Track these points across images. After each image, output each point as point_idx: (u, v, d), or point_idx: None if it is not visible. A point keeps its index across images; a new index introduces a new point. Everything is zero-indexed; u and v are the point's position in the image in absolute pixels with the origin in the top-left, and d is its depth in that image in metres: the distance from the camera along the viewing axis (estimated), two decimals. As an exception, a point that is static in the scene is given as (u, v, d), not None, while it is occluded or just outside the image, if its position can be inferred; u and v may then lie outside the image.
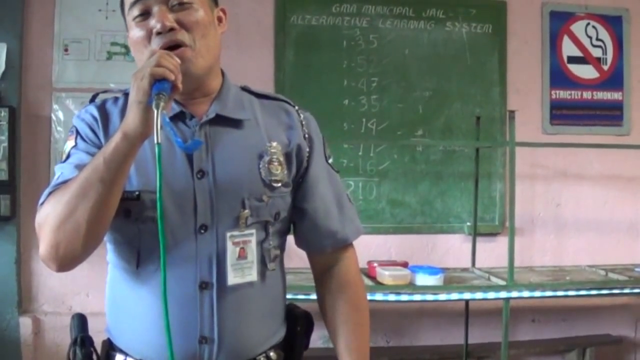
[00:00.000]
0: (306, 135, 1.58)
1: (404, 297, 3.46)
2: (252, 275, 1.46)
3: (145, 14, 1.43)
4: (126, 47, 3.83)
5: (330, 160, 1.66)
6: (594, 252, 4.43)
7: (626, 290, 3.72)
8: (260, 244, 1.49)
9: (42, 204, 1.36)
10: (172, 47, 1.40)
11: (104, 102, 1.53)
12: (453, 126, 4.35)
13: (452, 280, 3.70)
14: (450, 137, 4.35)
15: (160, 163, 1.23)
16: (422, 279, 3.53)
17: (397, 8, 4.32)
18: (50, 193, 1.36)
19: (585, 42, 4.56)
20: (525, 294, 3.60)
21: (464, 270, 4.07)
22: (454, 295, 3.57)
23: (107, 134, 1.44)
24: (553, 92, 4.51)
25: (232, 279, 1.43)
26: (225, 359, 1.44)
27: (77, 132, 1.47)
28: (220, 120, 1.49)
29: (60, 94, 4.01)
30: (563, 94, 4.52)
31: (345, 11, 4.27)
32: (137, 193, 1.40)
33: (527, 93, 4.46)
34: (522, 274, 3.89)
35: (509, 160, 3.75)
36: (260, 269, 1.49)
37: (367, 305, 1.66)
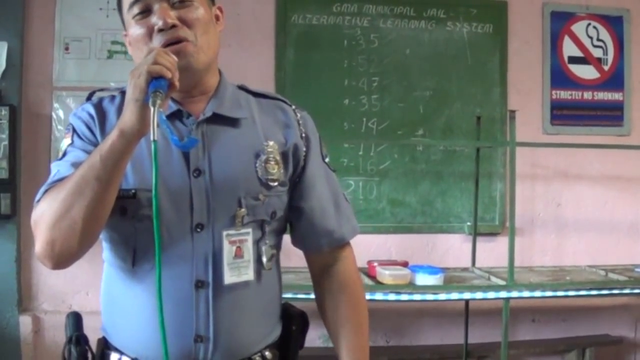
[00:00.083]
0: (303, 135, 1.58)
1: (404, 297, 3.46)
2: (249, 275, 1.46)
3: (146, 12, 1.43)
4: (127, 45, 3.83)
5: (327, 160, 1.66)
6: (594, 252, 4.43)
7: (626, 291, 3.72)
8: (257, 243, 1.49)
9: (38, 201, 1.36)
10: (173, 42, 1.41)
11: (100, 100, 1.53)
12: (453, 126, 4.35)
13: (452, 280, 3.70)
14: (450, 137, 4.35)
15: (156, 161, 1.23)
16: (422, 279, 3.52)
17: (398, 8, 4.32)
18: (46, 191, 1.36)
19: (586, 42, 4.56)
20: (525, 294, 3.60)
21: (464, 270, 4.06)
22: (454, 295, 3.57)
23: (104, 132, 1.44)
24: (554, 92, 4.51)
25: (229, 278, 1.43)
26: (220, 358, 1.44)
27: (74, 130, 1.47)
28: (217, 119, 1.49)
29: (60, 93, 4.01)
30: (564, 94, 4.52)
31: (346, 11, 4.27)
32: (133, 191, 1.40)
33: (527, 93, 4.46)
34: (522, 274, 3.89)
35: (509, 160, 3.75)
36: (257, 268, 1.49)
37: (365, 304, 1.66)
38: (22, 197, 3.88)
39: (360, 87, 4.27)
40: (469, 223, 4.28)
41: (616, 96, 4.58)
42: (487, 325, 4.20)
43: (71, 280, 3.93)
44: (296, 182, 1.57)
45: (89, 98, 1.56)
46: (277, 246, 1.57)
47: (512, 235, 3.62)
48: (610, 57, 4.58)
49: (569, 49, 4.53)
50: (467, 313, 4.09)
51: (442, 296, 3.53)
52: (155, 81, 1.26)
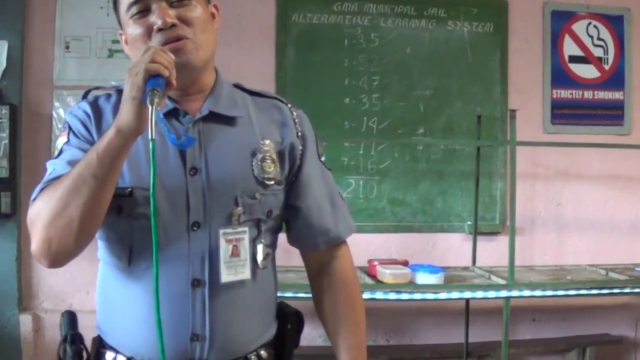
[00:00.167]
0: (299, 133, 1.58)
1: (405, 296, 3.46)
2: (245, 273, 1.46)
3: (144, 11, 1.43)
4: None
5: (322, 158, 1.66)
6: (595, 251, 4.43)
7: (626, 290, 3.72)
8: (253, 241, 1.49)
9: (35, 199, 1.36)
10: (172, 41, 1.40)
11: (96, 98, 1.52)
12: (454, 125, 4.35)
13: (453, 279, 3.70)
14: (451, 136, 4.35)
15: (154, 159, 1.23)
16: (423, 278, 3.53)
17: (399, 7, 4.32)
18: (42, 189, 1.36)
19: (587, 41, 4.56)
20: (526, 293, 3.59)
21: (465, 269, 4.06)
22: (455, 294, 3.57)
23: (100, 131, 1.44)
24: (554, 91, 4.51)
25: (226, 276, 1.43)
26: (216, 356, 1.44)
27: (70, 128, 1.47)
28: (214, 118, 1.49)
29: (61, 92, 4.01)
30: (564, 94, 4.52)
31: (346, 10, 4.27)
32: (129, 189, 1.40)
33: (528, 92, 4.46)
34: (523, 273, 3.89)
35: (509, 160, 3.75)
36: (253, 266, 1.49)
37: (362, 302, 1.67)
38: (23, 196, 3.88)
39: (361, 86, 4.27)
40: (469, 222, 4.28)
41: (616, 95, 4.58)
42: (487, 324, 4.20)
43: (71, 279, 3.93)
44: (292, 181, 1.57)
45: (84, 96, 1.55)
46: (273, 245, 1.58)
47: (513, 234, 3.62)
48: (611, 56, 4.58)
49: (570, 48, 4.53)
50: (467, 312, 4.09)
51: (443, 295, 3.53)
52: (152, 79, 1.25)
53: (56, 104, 4.00)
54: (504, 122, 4.31)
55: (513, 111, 3.68)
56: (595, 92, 4.56)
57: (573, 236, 4.50)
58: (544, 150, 4.33)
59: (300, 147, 1.58)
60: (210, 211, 1.43)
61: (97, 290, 1.54)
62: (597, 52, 4.57)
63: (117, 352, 1.46)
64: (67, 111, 1.52)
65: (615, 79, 4.58)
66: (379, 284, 3.50)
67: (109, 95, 1.52)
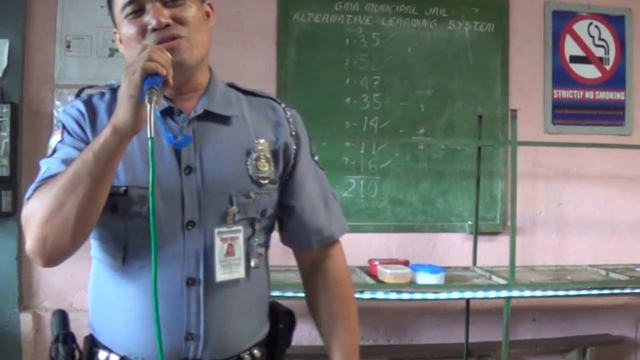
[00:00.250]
0: (293, 133, 1.59)
1: (405, 296, 3.46)
2: (239, 272, 1.47)
3: (139, 11, 1.42)
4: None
5: (316, 158, 1.66)
6: (595, 251, 4.43)
7: (627, 290, 3.72)
8: (247, 240, 1.49)
9: (29, 198, 1.35)
10: (167, 40, 1.40)
11: (90, 97, 1.52)
12: (455, 125, 4.35)
13: (453, 279, 3.70)
14: (452, 136, 4.35)
15: (153, 157, 1.23)
16: (423, 278, 3.53)
17: (400, 6, 4.32)
18: (36, 188, 1.35)
19: (588, 41, 4.55)
20: (526, 293, 3.59)
21: (465, 269, 4.06)
22: (455, 294, 3.58)
23: (95, 129, 1.44)
24: (555, 91, 4.51)
25: (220, 275, 1.43)
26: (210, 356, 1.44)
27: (64, 127, 1.47)
28: (209, 117, 1.49)
29: (62, 91, 4.01)
30: (565, 94, 4.52)
31: (347, 9, 4.26)
32: (124, 188, 1.40)
33: (529, 92, 4.46)
34: (523, 273, 3.89)
35: (510, 160, 3.75)
36: (247, 265, 1.49)
37: (355, 301, 1.68)
38: (23, 195, 3.86)
39: (362, 86, 4.27)
40: (470, 222, 4.28)
41: (617, 96, 4.58)
42: (487, 324, 4.20)
43: (72, 278, 3.93)
44: (286, 180, 1.58)
45: (77, 95, 1.56)
46: (266, 244, 1.58)
47: (513, 234, 3.62)
48: (612, 56, 4.58)
49: (571, 48, 4.53)
50: (467, 312, 4.09)
51: (443, 295, 3.53)
52: (150, 78, 1.26)
53: (57, 102, 4.00)
54: (505, 122, 4.31)
55: (514, 111, 3.68)
56: (596, 92, 4.56)
57: (574, 236, 4.50)
58: (544, 150, 4.33)
59: (294, 147, 1.58)
60: (205, 210, 1.43)
61: (90, 289, 1.54)
62: (598, 52, 4.57)
63: (110, 351, 1.46)
64: (60, 110, 1.51)
65: (616, 79, 4.58)
66: (380, 284, 3.50)
67: (102, 94, 1.52)
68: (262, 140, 1.51)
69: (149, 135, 1.22)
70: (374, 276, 3.61)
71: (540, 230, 4.47)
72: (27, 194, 1.37)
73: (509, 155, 3.89)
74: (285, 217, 1.61)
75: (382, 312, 4.14)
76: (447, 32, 4.37)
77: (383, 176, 4.29)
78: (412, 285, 3.50)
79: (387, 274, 3.51)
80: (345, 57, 4.27)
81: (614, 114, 4.57)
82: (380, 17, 4.30)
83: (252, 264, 1.50)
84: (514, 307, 3.66)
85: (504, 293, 3.57)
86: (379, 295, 3.43)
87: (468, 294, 3.64)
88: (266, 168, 1.50)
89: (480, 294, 3.60)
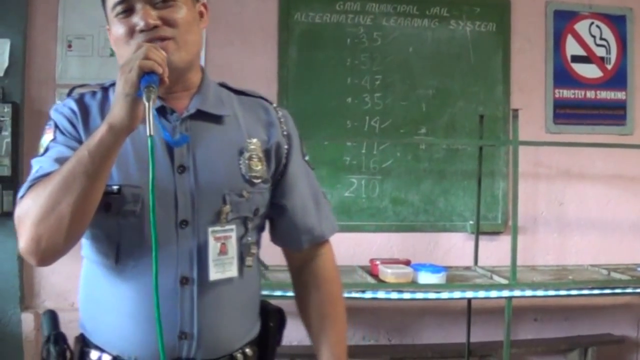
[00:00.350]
0: (285, 133, 1.59)
1: (407, 295, 3.46)
2: (232, 271, 1.47)
3: (128, 11, 1.42)
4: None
5: (306, 158, 1.67)
6: (597, 251, 4.43)
7: (628, 290, 3.72)
8: (240, 239, 1.50)
9: (22, 197, 1.35)
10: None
11: (81, 95, 1.52)
12: (456, 124, 4.35)
13: (455, 278, 3.70)
14: (453, 136, 4.35)
15: (153, 155, 1.24)
16: (425, 277, 3.53)
17: (401, 6, 4.31)
18: (30, 187, 1.35)
19: (589, 41, 4.55)
20: (528, 292, 3.59)
21: (467, 268, 4.06)
22: (457, 294, 3.58)
23: (87, 128, 1.44)
24: (556, 91, 4.51)
25: (214, 274, 1.44)
26: (203, 355, 1.44)
27: (56, 126, 1.46)
28: (201, 116, 1.49)
29: (63, 90, 4.00)
30: (566, 93, 4.52)
31: (349, 9, 4.26)
32: (117, 187, 1.39)
33: (530, 92, 4.45)
34: (525, 273, 3.88)
35: (512, 159, 3.75)
36: (240, 264, 1.50)
37: (343, 300, 1.69)
38: (24, 194, 3.87)
39: (363, 86, 4.27)
40: (471, 222, 4.28)
41: (619, 95, 4.58)
42: (489, 324, 4.19)
43: (73, 278, 3.88)
44: (278, 180, 1.59)
45: (69, 94, 1.56)
46: (258, 243, 1.59)
47: (515, 234, 3.62)
48: (613, 56, 4.58)
49: (572, 48, 4.53)
50: (469, 312, 4.09)
51: (445, 295, 3.53)
52: (147, 76, 1.26)
53: (58, 102, 3.97)
54: (506, 122, 4.31)
55: (515, 111, 3.68)
56: (598, 92, 4.55)
57: (575, 236, 4.50)
58: (546, 150, 4.33)
59: (286, 147, 1.59)
60: (199, 209, 1.44)
61: (81, 288, 1.54)
62: (600, 52, 4.56)
63: (102, 350, 1.46)
64: (51, 108, 1.51)
65: (617, 78, 4.58)
66: (381, 284, 3.50)
67: (94, 93, 1.52)
68: (254, 140, 1.52)
69: (148, 134, 1.23)
70: (375, 276, 3.61)
71: (541, 230, 4.47)
72: (20, 193, 1.37)
73: (511, 155, 3.88)
74: (276, 216, 1.62)
75: (384, 312, 4.14)
76: (448, 32, 4.36)
77: (384, 176, 4.29)
78: (414, 285, 3.50)
79: (388, 273, 3.51)
80: (346, 56, 4.27)
81: (615, 113, 4.57)
82: (382, 17, 4.30)
83: (247, 262, 1.51)
84: (515, 306, 3.66)
85: (505, 293, 3.57)
86: (381, 295, 3.44)
87: (469, 294, 3.64)
88: (259, 167, 1.51)
89: (481, 293, 3.60)
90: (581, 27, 4.54)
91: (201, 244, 1.43)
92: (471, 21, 4.38)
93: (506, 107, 4.36)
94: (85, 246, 1.50)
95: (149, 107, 1.23)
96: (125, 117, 1.27)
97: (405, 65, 4.32)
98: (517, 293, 3.57)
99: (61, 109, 1.49)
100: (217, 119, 1.51)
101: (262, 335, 1.61)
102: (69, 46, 4.02)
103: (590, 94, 4.55)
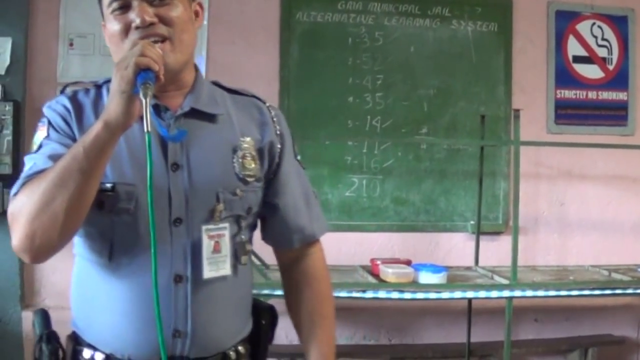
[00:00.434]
0: (278, 132, 1.60)
1: (407, 295, 3.46)
2: (226, 269, 1.48)
3: (124, 7, 1.42)
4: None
5: (298, 157, 1.68)
6: (598, 252, 4.43)
7: (629, 291, 3.72)
8: (233, 238, 1.50)
9: (16, 194, 1.34)
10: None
11: (75, 92, 1.52)
12: (457, 124, 4.35)
13: (455, 278, 3.70)
14: (454, 136, 4.35)
15: (150, 152, 1.24)
16: (426, 277, 3.53)
17: (403, 6, 4.31)
18: (23, 184, 1.34)
19: (591, 41, 4.55)
20: (529, 293, 3.59)
21: (467, 268, 4.06)
22: (457, 294, 3.58)
23: (81, 125, 1.44)
24: (558, 91, 4.50)
25: (208, 272, 1.44)
26: (196, 353, 1.45)
27: (49, 123, 1.45)
28: (195, 114, 1.49)
29: (64, 89, 4.01)
30: (568, 94, 4.52)
31: (350, 8, 4.26)
32: (111, 185, 1.39)
33: (532, 92, 4.45)
34: (526, 273, 3.88)
35: (513, 159, 3.75)
36: (234, 262, 1.50)
37: (333, 299, 1.69)
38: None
39: (365, 85, 4.27)
40: (472, 222, 4.28)
41: (620, 96, 4.58)
42: (489, 324, 4.19)
43: (74, 277, 3.93)
44: (271, 179, 1.59)
45: (62, 91, 1.55)
46: (250, 241, 1.59)
47: (516, 234, 3.62)
48: (615, 56, 4.57)
49: (574, 48, 4.52)
50: (470, 312, 4.09)
51: (445, 295, 3.53)
52: (143, 73, 1.26)
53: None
54: (508, 122, 4.30)
55: (517, 111, 3.68)
56: (599, 93, 4.55)
57: (576, 236, 4.50)
58: (547, 150, 4.32)
59: (279, 146, 1.59)
60: (192, 207, 1.44)
61: (73, 286, 1.53)
62: (601, 53, 4.56)
63: (94, 349, 1.45)
64: (45, 105, 1.50)
65: (619, 79, 4.57)
66: (382, 283, 3.50)
67: (87, 91, 1.52)
68: (247, 139, 1.53)
69: (145, 130, 1.23)
70: (376, 275, 3.61)
71: (542, 230, 4.47)
72: (13, 190, 1.36)
73: (512, 155, 3.89)
74: (268, 215, 1.62)
75: (384, 312, 4.13)
76: (450, 32, 4.36)
77: (385, 175, 4.29)
78: (414, 285, 3.50)
79: (389, 273, 3.51)
80: (348, 56, 4.26)
81: (616, 114, 4.57)
82: (383, 17, 4.30)
83: (242, 261, 1.52)
84: (516, 307, 3.66)
85: (506, 293, 3.57)
86: (381, 294, 3.44)
87: (470, 294, 3.64)
88: (252, 166, 1.51)
89: (482, 293, 3.60)
90: (583, 27, 4.54)
91: (195, 242, 1.43)
92: (473, 21, 4.38)
93: (507, 107, 4.35)
94: (78, 244, 1.50)
95: (146, 103, 1.23)
96: (121, 114, 1.27)
97: (407, 65, 4.32)
98: (517, 293, 3.57)
99: (54, 106, 1.48)
100: (210, 118, 1.51)
101: (255, 333, 1.61)
102: (71, 44, 4.02)
103: (592, 95, 4.55)
